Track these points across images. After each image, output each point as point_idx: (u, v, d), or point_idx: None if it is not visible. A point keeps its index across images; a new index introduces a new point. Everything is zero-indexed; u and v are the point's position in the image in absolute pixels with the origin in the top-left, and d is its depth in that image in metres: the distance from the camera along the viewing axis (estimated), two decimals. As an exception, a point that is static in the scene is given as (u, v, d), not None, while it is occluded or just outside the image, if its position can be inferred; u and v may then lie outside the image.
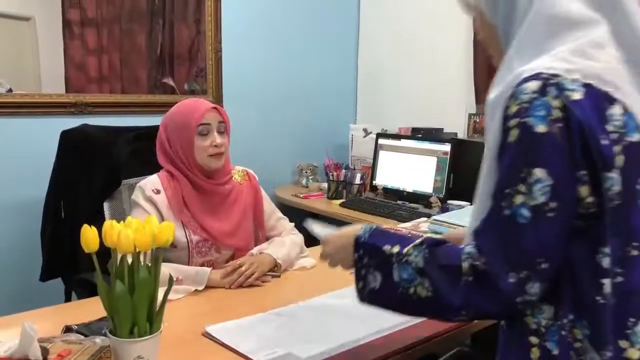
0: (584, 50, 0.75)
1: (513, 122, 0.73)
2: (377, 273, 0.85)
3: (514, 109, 0.73)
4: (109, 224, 0.97)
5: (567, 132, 0.71)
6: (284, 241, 1.68)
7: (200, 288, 1.45)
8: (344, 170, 2.90)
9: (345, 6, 3.32)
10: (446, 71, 2.91)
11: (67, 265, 1.86)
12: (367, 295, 0.88)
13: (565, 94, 0.72)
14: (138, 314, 0.96)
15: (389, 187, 2.77)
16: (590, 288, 0.74)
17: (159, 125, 1.64)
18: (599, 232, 0.73)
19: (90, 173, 1.86)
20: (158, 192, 1.56)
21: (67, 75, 2.43)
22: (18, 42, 2.33)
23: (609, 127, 0.72)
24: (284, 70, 3.09)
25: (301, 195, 2.88)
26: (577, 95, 0.72)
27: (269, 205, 1.77)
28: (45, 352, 0.97)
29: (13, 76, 2.32)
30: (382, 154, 2.83)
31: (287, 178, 3.22)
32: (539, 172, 0.71)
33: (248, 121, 2.93)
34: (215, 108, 1.58)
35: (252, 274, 1.50)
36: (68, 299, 1.90)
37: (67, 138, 1.90)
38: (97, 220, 1.02)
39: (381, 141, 2.85)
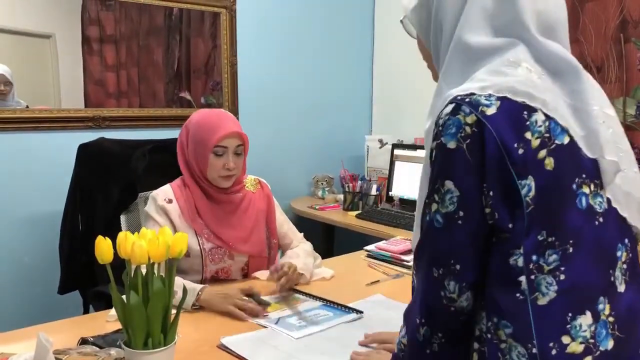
0: (497, 70, 0.80)
1: (434, 144, 0.81)
2: None
3: (435, 133, 0.81)
4: (123, 235, 0.98)
5: (479, 147, 0.76)
6: (297, 252, 1.69)
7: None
8: (359, 182, 2.89)
9: (361, 18, 3.33)
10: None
11: (85, 278, 1.87)
12: None
13: (480, 110, 0.76)
14: (152, 325, 0.96)
15: (405, 197, 2.76)
16: (507, 289, 0.77)
17: (175, 138, 1.66)
18: (512, 239, 0.77)
19: (108, 186, 1.88)
20: (170, 201, 1.58)
21: (86, 90, 2.47)
22: (39, 58, 2.38)
23: (530, 135, 0.76)
24: (299, 82, 3.10)
25: (317, 207, 2.88)
26: (491, 110, 0.76)
27: (280, 214, 1.78)
28: (60, 363, 0.97)
29: (34, 92, 2.36)
30: (398, 164, 2.82)
31: (303, 190, 3.22)
32: (448, 184, 0.79)
33: (264, 133, 2.94)
34: (236, 132, 1.56)
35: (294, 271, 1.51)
36: (86, 311, 1.91)
37: (85, 151, 1.92)
38: (114, 233, 1.02)
39: (397, 152, 2.83)
